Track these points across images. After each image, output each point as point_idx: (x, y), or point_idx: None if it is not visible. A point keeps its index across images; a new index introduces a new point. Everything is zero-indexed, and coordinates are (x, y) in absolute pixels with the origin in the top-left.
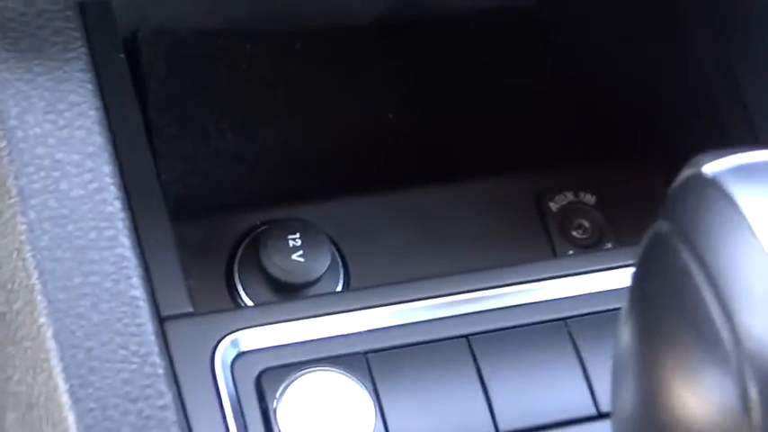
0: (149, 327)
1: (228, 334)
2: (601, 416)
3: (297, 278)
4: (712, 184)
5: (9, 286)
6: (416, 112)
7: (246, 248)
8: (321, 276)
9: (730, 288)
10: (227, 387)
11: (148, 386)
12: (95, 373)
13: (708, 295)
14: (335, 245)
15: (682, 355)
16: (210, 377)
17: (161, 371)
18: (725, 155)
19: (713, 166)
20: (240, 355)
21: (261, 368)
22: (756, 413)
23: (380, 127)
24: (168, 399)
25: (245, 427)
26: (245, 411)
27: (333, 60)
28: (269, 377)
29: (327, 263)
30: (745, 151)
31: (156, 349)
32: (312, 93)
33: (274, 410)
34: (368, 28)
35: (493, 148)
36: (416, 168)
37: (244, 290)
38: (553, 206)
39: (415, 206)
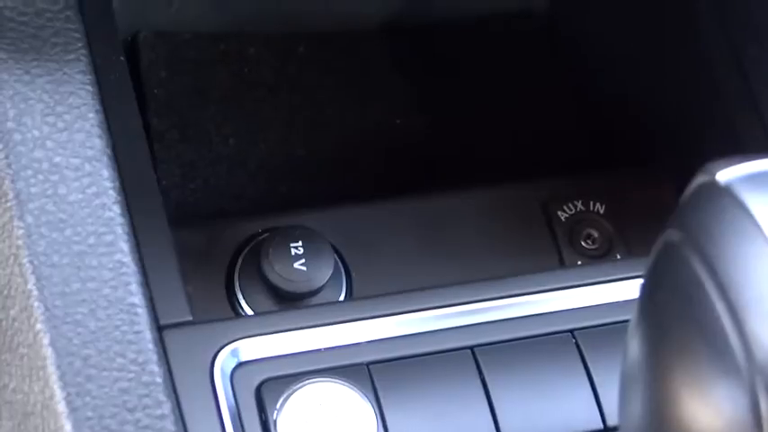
0: (148, 335)
1: (228, 343)
2: (608, 430)
3: (299, 287)
4: (725, 192)
5: (5, 292)
6: (422, 118)
7: (247, 256)
8: (323, 285)
9: (742, 298)
10: (227, 397)
11: (146, 395)
12: (93, 382)
13: (719, 306)
14: (338, 253)
15: (692, 366)
16: (210, 387)
17: (159, 380)
18: (739, 162)
19: (727, 174)
20: (240, 364)
21: (261, 378)
22: None
23: (385, 133)
24: (166, 408)
25: None
26: (245, 422)
27: (337, 65)
28: (269, 388)
29: (330, 272)
30: (760, 159)
31: (154, 358)
32: (316, 98)
33: (274, 422)
34: (373, 32)
35: (501, 154)
36: (422, 175)
37: (244, 298)
38: (562, 215)
39: (420, 214)
